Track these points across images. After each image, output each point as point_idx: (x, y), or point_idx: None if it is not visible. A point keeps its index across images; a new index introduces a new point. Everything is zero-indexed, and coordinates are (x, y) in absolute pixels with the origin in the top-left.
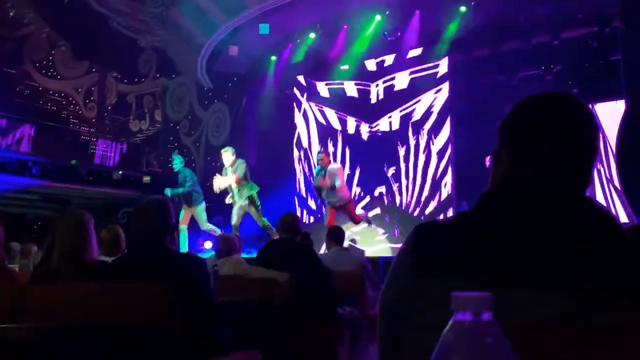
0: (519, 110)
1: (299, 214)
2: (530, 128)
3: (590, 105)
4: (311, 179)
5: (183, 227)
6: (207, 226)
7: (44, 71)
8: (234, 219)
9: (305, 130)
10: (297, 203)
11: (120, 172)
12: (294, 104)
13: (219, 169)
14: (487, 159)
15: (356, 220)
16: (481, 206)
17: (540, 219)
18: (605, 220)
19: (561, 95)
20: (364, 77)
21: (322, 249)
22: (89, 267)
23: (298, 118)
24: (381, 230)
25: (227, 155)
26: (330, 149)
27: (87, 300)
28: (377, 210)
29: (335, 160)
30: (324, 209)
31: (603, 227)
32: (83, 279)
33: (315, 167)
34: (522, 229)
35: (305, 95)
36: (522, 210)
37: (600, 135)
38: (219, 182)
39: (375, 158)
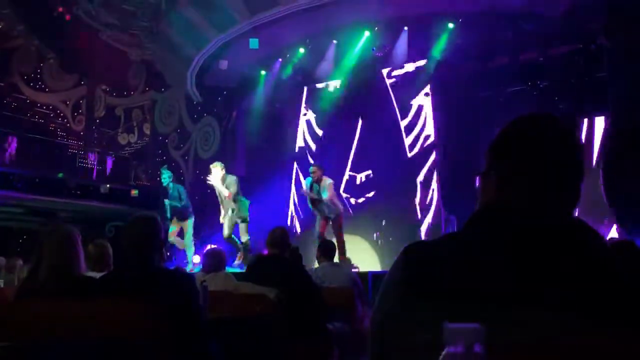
0: (507, 133)
1: (289, 224)
2: (518, 150)
3: (576, 121)
4: (302, 191)
5: (177, 239)
6: (190, 241)
7: (32, 84)
8: (226, 231)
9: (295, 143)
10: (288, 215)
11: (108, 186)
12: (284, 118)
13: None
14: (477, 179)
15: (340, 237)
16: (470, 227)
17: (529, 242)
18: (593, 243)
19: (546, 117)
20: (352, 91)
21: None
22: (77, 283)
23: (288, 131)
24: (368, 243)
25: (217, 170)
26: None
27: (75, 317)
28: (364, 220)
29: (325, 170)
30: (316, 220)
31: (591, 249)
32: (70, 295)
33: (306, 180)
34: (511, 252)
35: (294, 109)
36: (511, 233)
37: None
38: (215, 182)
39: (363, 168)
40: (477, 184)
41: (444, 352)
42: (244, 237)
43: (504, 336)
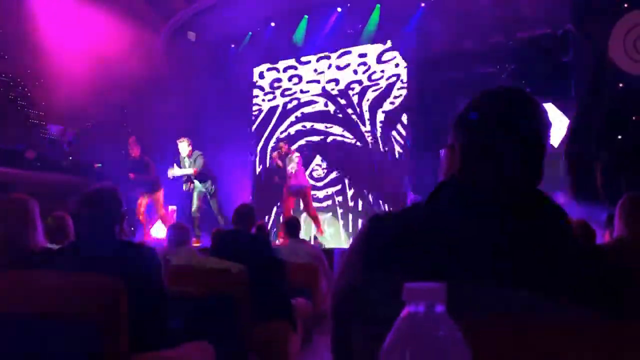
0: (472, 105)
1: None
2: (482, 123)
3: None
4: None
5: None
6: (162, 212)
7: None
8: (195, 204)
9: (263, 119)
10: (256, 193)
11: (71, 158)
12: (253, 93)
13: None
14: (441, 152)
15: (311, 212)
16: (433, 199)
17: (491, 213)
18: (553, 214)
19: (513, 91)
20: (323, 69)
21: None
22: (33, 255)
23: (256, 107)
24: (336, 223)
25: (184, 146)
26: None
27: (30, 289)
28: (330, 202)
29: (291, 147)
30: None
31: (552, 220)
32: (26, 267)
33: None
34: (473, 223)
35: (264, 84)
36: (473, 205)
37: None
38: (174, 172)
39: (330, 147)
40: (442, 157)
41: (403, 312)
42: (217, 211)
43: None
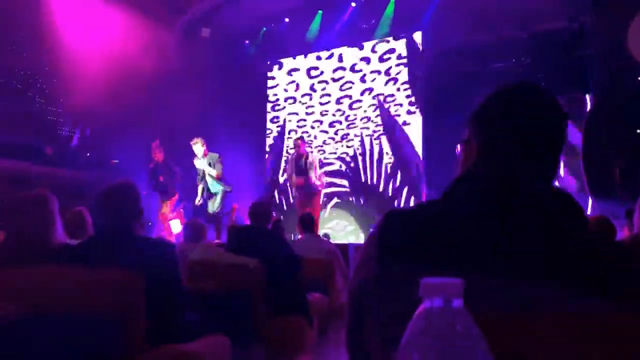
0: (489, 100)
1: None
2: (499, 117)
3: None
4: (286, 166)
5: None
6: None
7: (8, 48)
8: (214, 207)
9: (279, 115)
10: (273, 189)
11: (88, 154)
12: (267, 89)
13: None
14: (457, 147)
15: (315, 214)
16: (449, 194)
17: (508, 208)
18: (571, 210)
19: (530, 86)
20: (338, 62)
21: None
22: (53, 251)
23: (271, 103)
24: (348, 221)
25: (198, 147)
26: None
27: (51, 285)
28: (344, 197)
29: (307, 143)
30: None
31: (568, 217)
32: (46, 263)
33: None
34: (489, 218)
35: (277, 80)
36: (490, 200)
37: (567, 126)
38: (201, 164)
39: (345, 141)
40: (458, 153)
41: (420, 307)
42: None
43: (484, 302)
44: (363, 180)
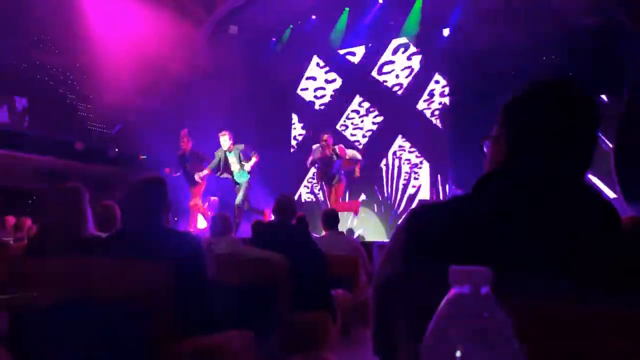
0: (521, 95)
1: (300, 194)
2: (531, 113)
3: None
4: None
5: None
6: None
7: (41, 45)
8: (239, 199)
9: (304, 111)
10: (297, 184)
11: (117, 149)
12: (293, 86)
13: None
14: (485, 143)
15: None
16: (478, 189)
17: (538, 203)
18: (602, 207)
19: (563, 82)
20: (364, 59)
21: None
22: (84, 242)
23: (298, 99)
24: (374, 217)
25: (225, 139)
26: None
27: (81, 274)
28: (368, 195)
29: (335, 139)
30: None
31: (600, 213)
32: (77, 253)
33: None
34: (519, 213)
35: (304, 77)
36: (520, 194)
37: (600, 124)
38: (227, 156)
39: (372, 141)
40: (486, 149)
41: (449, 294)
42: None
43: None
44: (389, 176)
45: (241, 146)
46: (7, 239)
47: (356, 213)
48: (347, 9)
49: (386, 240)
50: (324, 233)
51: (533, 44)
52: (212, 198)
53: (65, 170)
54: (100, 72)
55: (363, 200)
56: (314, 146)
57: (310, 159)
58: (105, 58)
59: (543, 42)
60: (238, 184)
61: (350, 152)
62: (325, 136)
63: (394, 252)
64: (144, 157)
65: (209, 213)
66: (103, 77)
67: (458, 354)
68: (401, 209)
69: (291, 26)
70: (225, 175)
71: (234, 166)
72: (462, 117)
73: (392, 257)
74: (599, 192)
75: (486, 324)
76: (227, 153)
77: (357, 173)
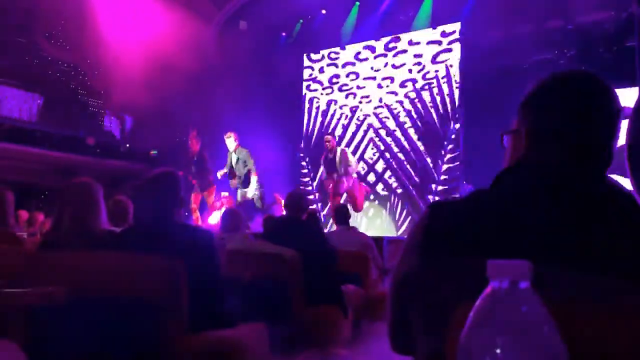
0: (541, 88)
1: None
2: (552, 106)
3: None
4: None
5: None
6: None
7: (53, 41)
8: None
9: (315, 106)
10: (305, 183)
11: (128, 145)
12: (302, 82)
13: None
14: (504, 138)
15: (358, 209)
16: (498, 184)
17: (560, 198)
18: (625, 200)
19: (584, 74)
20: (374, 55)
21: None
22: (97, 237)
23: (308, 95)
24: (385, 212)
25: (230, 141)
26: (338, 130)
27: (95, 269)
28: (380, 188)
29: (340, 137)
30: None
31: (622, 207)
32: (91, 248)
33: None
34: (539, 208)
35: (314, 72)
36: (541, 189)
37: (621, 116)
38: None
39: (380, 136)
40: (505, 142)
41: (487, 289)
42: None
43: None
44: (399, 173)
45: (245, 151)
46: (21, 233)
47: (360, 207)
48: (357, 3)
49: (395, 235)
50: (334, 228)
51: (547, 37)
52: (223, 194)
53: (76, 165)
54: (111, 68)
55: (377, 194)
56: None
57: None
58: (117, 54)
59: (556, 35)
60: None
61: (352, 159)
62: (329, 137)
63: (412, 247)
64: (155, 152)
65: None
66: (114, 73)
67: (498, 350)
68: (412, 205)
69: (301, 21)
70: (234, 183)
71: (239, 170)
72: (472, 112)
73: (410, 252)
74: (620, 185)
75: (526, 318)
76: (232, 154)
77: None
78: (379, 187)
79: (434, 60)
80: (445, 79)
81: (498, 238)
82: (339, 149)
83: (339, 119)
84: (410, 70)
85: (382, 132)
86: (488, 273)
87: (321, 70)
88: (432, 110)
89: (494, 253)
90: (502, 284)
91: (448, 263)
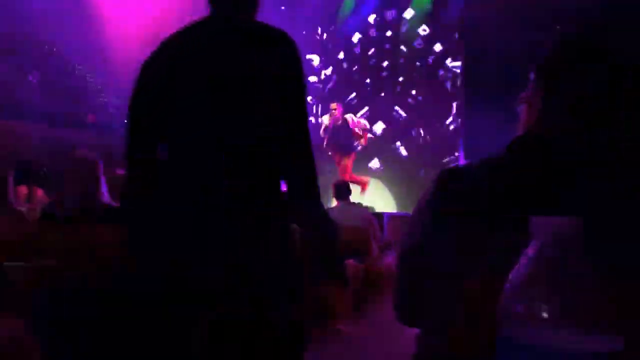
0: (560, 52)
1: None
2: (569, 72)
3: None
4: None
5: None
6: None
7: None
8: None
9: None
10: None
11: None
12: (305, 56)
13: None
14: (518, 104)
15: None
16: (510, 151)
17: (573, 167)
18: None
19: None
20: (378, 29)
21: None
22: (98, 211)
23: (307, 73)
24: (386, 188)
25: None
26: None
27: (97, 243)
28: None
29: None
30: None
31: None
32: (92, 222)
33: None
34: (551, 177)
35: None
36: (554, 157)
37: None
38: None
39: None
40: (519, 110)
41: (532, 245)
42: None
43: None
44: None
45: None
46: (21, 208)
47: (364, 190)
48: None
49: (396, 211)
50: (335, 203)
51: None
52: None
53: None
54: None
55: (377, 169)
56: (323, 117)
57: (322, 128)
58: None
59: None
60: None
61: (360, 121)
62: (334, 105)
63: (421, 214)
64: None
65: None
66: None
67: (544, 312)
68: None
69: None
70: None
71: None
72: (475, 88)
73: (418, 221)
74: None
75: (570, 273)
76: None
77: (364, 142)
78: (374, 162)
79: (434, 34)
80: (445, 52)
81: (506, 205)
82: (346, 119)
83: (341, 96)
84: (412, 43)
85: (379, 101)
86: (531, 229)
87: (325, 42)
88: (432, 84)
89: (501, 222)
90: (547, 239)
91: (457, 232)
